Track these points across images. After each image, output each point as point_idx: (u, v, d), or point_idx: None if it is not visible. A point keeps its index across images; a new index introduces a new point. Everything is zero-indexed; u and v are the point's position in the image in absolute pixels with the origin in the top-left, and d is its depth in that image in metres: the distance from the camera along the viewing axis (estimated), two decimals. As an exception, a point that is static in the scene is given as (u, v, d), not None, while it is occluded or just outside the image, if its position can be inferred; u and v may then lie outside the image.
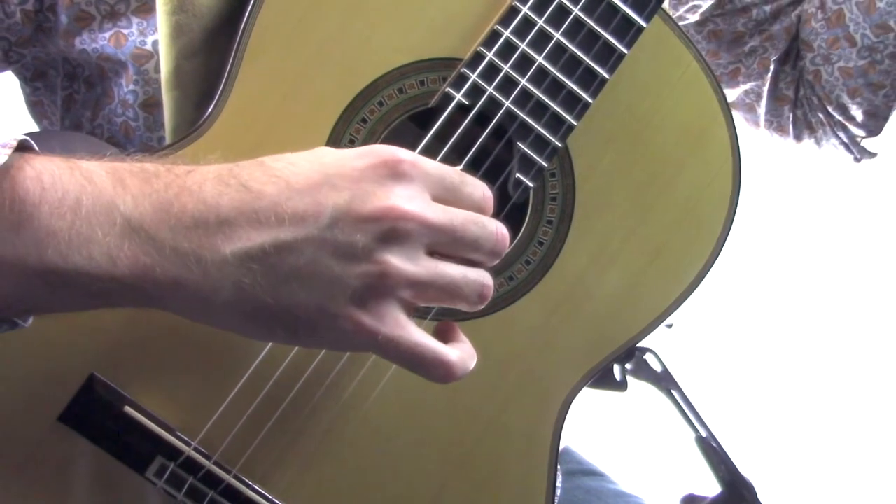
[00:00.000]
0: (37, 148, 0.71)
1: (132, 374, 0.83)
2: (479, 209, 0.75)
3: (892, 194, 2.52)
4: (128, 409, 0.82)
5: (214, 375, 0.83)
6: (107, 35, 0.91)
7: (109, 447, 0.82)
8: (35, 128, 1.05)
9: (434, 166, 0.74)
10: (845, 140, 1.24)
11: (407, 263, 0.71)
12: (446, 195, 0.74)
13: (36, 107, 1.03)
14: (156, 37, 0.90)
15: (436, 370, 0.73)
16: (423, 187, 0.72)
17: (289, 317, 0.70)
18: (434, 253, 0.73)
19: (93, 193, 0.69)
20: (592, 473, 1.26)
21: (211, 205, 0.70)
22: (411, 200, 0.71)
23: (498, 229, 0.75)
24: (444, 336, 0.77)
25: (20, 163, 0.69)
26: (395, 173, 0.71)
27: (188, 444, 0.83)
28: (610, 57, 0.85)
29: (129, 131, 0.94)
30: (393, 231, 0.70)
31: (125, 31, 0.91)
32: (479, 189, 0.76)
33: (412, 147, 0.83)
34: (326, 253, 0.69)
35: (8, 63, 0.97)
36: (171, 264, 0.69)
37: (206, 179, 0.71)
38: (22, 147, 0.70)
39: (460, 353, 0.75)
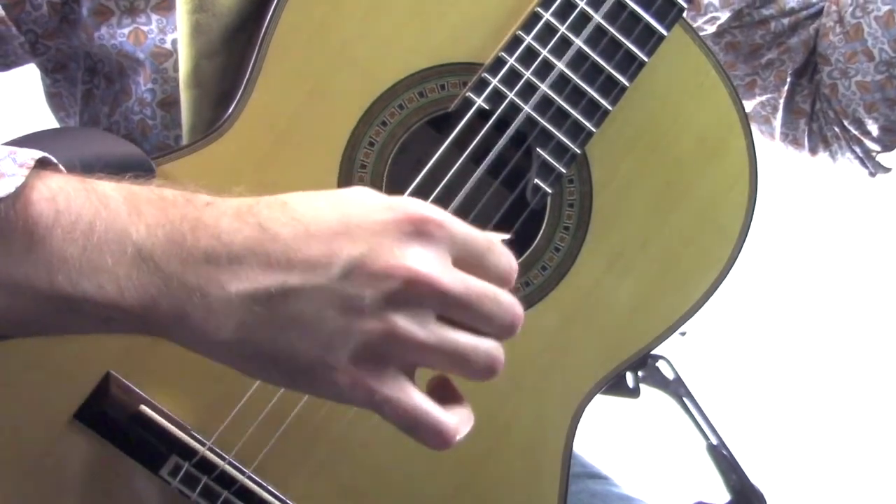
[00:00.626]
0: (55, 162, 0.71)
1: (148, 373, 0.83)
2: (502, 280, 0.72)
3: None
4: (143, 408, 0.82)
5: (230, 375, 0.83)
6: (126, 31, 0.92)
7: (124, 446, 0.82)
8: (52, 118, 1.06)
9: (461, 229, 0.70)
10: (860, 154, 1.23)
11: (414, 326, 0.68)
12: (469, 261, 0.70)
13: (54, 98, 1.03)
14: (175, 35, 0.90)
15: (432, 438, 0.71)
16: (444, 250, 0.69)
17: (287, 363, 0.69)
18: (445, 320, 0.70)
19: (107, 219, 0.68)
20: (597, 476, 1.25)
21: (224, 242, 0.68)
22: (428, 263, 0.68)
23: (514, 309, 0.71)
24: (442, 393, 0.74)
25: (36, 182, 0.68)
26: (418, 231, 0.68)
27: (203, 444, 0.83)
28: (630, 65, 0.85)
29: (146, 129, 0.94)
30: (403, 292, 0.67)
31: (144, 29, 0.91)
32: (505, 260, 0.72)
33: (431, 152, 0.84)
34: (333, 304, 0.67)
35: (34, 55, 0.97)
36: (177, 298, 0.68)
37: (223, 214, 0.69)
38: (40, 163, 0.70)
39: (458, 418, 0.72)
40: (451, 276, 0.69)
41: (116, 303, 0.68)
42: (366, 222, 0.68)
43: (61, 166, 0.71)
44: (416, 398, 0.69)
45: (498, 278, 0.72)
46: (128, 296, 0.68)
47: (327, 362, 0.68)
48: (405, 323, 0.68)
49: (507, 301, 0.71)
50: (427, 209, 0.69)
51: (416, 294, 0.67)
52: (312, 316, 0.67)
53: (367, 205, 0.69)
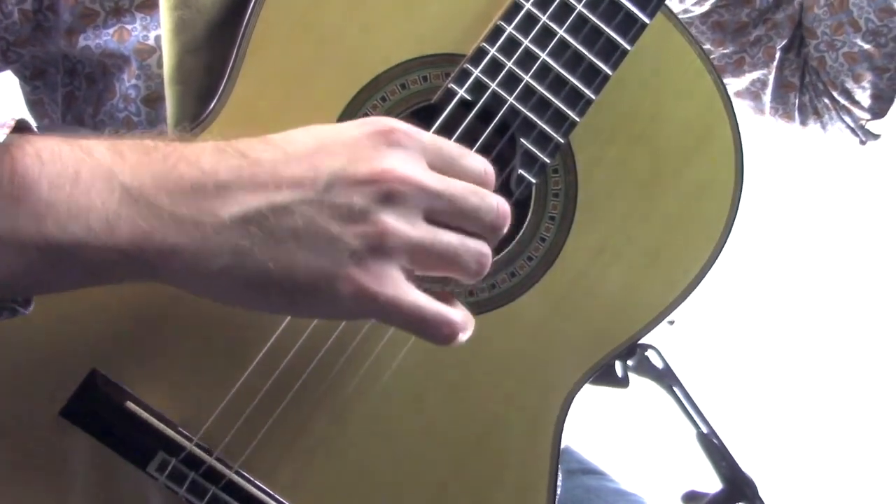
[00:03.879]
0: (33, 127, 0.72)
1: (134, 369, 0.83)
2: (479, 183, 0.75)
3: (892, 192, 2.52)
4: (129, 404, 0.82)
5: (217, 370, 0.83)
6: (110, 31, 0.92)
7: (111, 442, 0.82)
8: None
9: (430, 137, 0.75)
10: (851, 124, 1.24)
11: (405, 225, 0.71)
12: (443, 166, 0.74)
13: (36, 105, 1.03)
14: (159, 32, 0.90)
15: (439, 329, 0.73)
16: (419, 155, 0.73)
17: (287, 281, 0.70)
18: (433, 221, 0.73)
19: (91, 165, 0.70)
20: (593, 472, 1.26)
21: (209, 171, 0.70)
22: (406, 164, 0.71)
23: (499, 203, 0.75)
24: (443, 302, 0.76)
25: (19, 141, 0.69)
26: (390, 140, 0.72)
27: (190, 440, 0.83)
28: (613, 53, 0.84)
29: (132, 126, 0.94)
30: (390, 193, 0.71)
31: (128, 27, 0.92)
32: (479, 163, 0.76)
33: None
34: (324, 215, 0.70)
35: (6, 63, 0.97)
36: (170, 230, 0.69)
37: (203, 150, 0.72)
38: (20, 128, 0.71)
39: (462, 313, 0.75)
40: (431, 175, 0.73)
41: (108, 242, 0.69)
42: (340, 138, 0.72)
43: (36, 131, 0.72)
44: (420, 296, 0.72)
45: (474, 179, 0.75)
46: (118, 234, 0.69)
47: (328, 272, 0.70)
48: (395, 222, 0.71)
49: (490, 196, 0.75)
50: (392, 121, 0.73)
51: (401, 194, 0.71)
52: (307, 228, 0.70)
53: (337, 126, 0.74)
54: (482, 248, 0.75)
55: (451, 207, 0.73)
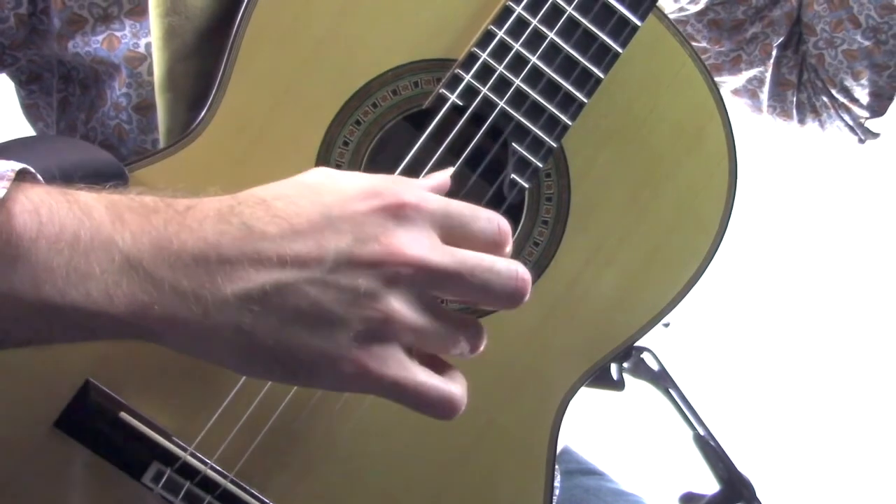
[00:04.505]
0: (35, 173, 0.70)
1: (128, 379, 0.82)
2: (495, 245, 0.73)
3: (889, 192, 2.52)
4: (123, 414, 0.82)
5: (210, 380, 0.83)
6: (100, 38, 0.91)
7: (105, 453, 0.82)
8: (30, 130, 1.05)
9: (440, 205, 0.72)
10: (849, 122, 1.23)
11: (409, 310, 0.70)
12: (455, 234, 0.72)
13: (31, 109, 1.03)
14: (149, 39, 0.90)
15: (442, 410, 0.73)
16: (428, 229, 0.71)
17: (289, 358, 0.70)
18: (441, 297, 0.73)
19: (91, 228, 0.68)
20: (591, 473, 1.26)
21: (212, 243, 0.68)
22: (413, 244, 0.70)
23: (516, 274, 0.73)
24: (433, 366, 0.75)
25: (18, 195, 0.68)
26: (398, 216, 0.70)
27: (184, 449, 0.83)
28: (605, 56, 0.84)
29: (123, 134, 0.94)
30: (396, 276, 0.69)
31: (118, 34, 0.91)
32: (493, 224, 0.74)
33: (407, 149, 0.84)
34: (329, 296, 0.69)
35: (3, 66, 0.96)
36: (170, 302, 0.68)
37: (206, 217, 0.70)
38: (21, 175, 0.69)
39: (460, 386, 0.74)
40: (439, 253, 0.71)
41: (105, 311, 0.68)
42: (346, 213, 0.70)
43: (40, 177, 0.71)
44: (423, 376, 0.72)
45: (489, 243, 0.73)
46: (117, 303, 0.68)
47: (330, 353, 0.69)
48: (400, 306, 0.70)
49: (505, 267, 0.73)
50: (401, 192, 0.71)
51: (406, 276, 0.69)
52: (310, 308, 0.69)
53: (342, 194, 0.71)
54: (478, 332, 0.74)
55: (461, 286, 0.72)
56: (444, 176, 0.77)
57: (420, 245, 0.70)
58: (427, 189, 0.75)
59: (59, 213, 0.68)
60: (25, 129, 1.05)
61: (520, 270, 0.73)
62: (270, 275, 0.68)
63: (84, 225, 0.68)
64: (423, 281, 0.70)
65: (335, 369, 0.70)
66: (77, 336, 0.71)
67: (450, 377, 0.74)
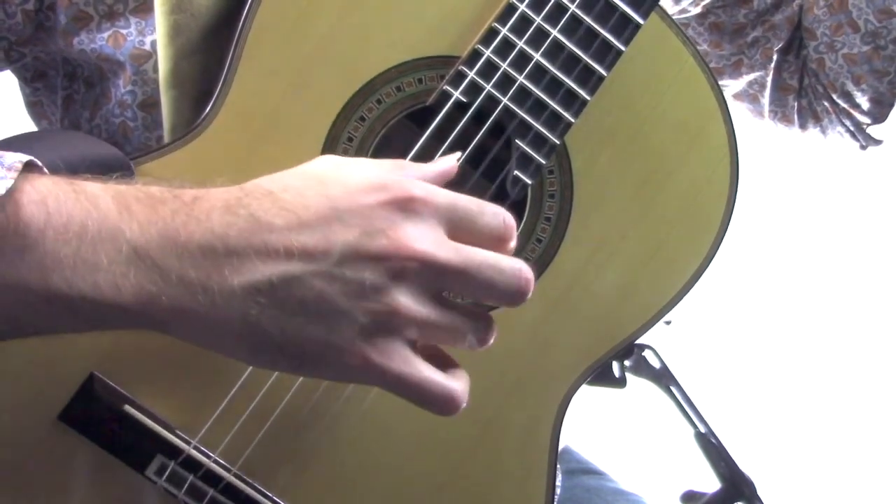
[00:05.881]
0: (41, 165, 0.71)
1: (132, 373, 0.83)
2: (500, 240, 0.74)
3: (890, 190, 2.52)
4: (128, 407, 0.82)
5: (214, 373, 0.83)
6: (105, 35, 0.91)
7: (109, 446, 0.82)
8: (34, 128, 1.05)
9: (447, 199, 0.72)
10: (851, 128, 1.23)
11: (415, 304, 0.70)
12: (461, 228, 0.73)
13: (35, 107, 1.03)
14: (154, 36, 0.90)
15: (444, 406, 0.73)
16: (434, 223, 0.71)
17: (295, 349, 0.70)
18: (446, 294, 0.73)
19: (98, 219, 0.69)
20: (592, 472, 1.26)
21: (219, 235, 0.69)
22: (420, 239, 0.70)
23: (520, 273, 0.73)
24: (436, 358, 0.76)
25: (25, 186, 0.68)
26: (406, 210, 0.70)
27: (188, 443, 0.83)
28: (607, 54, 0.85)
29: (128, 131, 0.94)
30: (402, 271, 0.70)
31: (123, 31, 0.91)
32: (499, 219, 0.74)
33: (410, 146, 0.84)
34: (335, 289, 0.69)
35: (9, 62, 0.97)
36: (178, 293, 0.68)
37: (213, 208, 0.70)
38: (27, 166, 0.70)
39: (462, 382, 0.74)
40: (445, 249, 0.71)
41: (113, 301, 0.68)
42: (353, 206, 0.70)
43: (46, 169, 0.71)
44: (426, 371, 0.72)
45: (494, 238, 0.74)
46: (125, 293, 0.68)
47: (335, 345, 0.70)
48: (406, 300, 0.70)
49: (509, 265, 0.73)
50: (409, 186, 0.71)
51: (412, 271, 0.70)
52: (316, 301, 0.69)
53: (350, 186, 0.71)
54: (487, 325, 0.74)
55: (466, 282, 0.72)
56: (452, 161, 0.78)
57: (427, 240, 0.70)
58: (434, 174, 0.75)
59: (66, 203, 0.69)
60: (29, 128, 1.05)
61: (523, 269, 0.73)
62: (277, 267, 0.69)
63: (91, 215, 0.69)
64: (428, 276, 0.71)
65: (340, 361, 0.70)
66: (85, 326, 0.71)
67: (453, 374, 0.75)
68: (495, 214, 0.74)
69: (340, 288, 0.69)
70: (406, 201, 0.71)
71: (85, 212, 0.69)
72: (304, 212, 0.70)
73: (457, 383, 0.74)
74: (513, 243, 0.75)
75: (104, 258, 0.68)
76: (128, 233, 0.68)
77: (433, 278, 0.71)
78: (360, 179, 0.72)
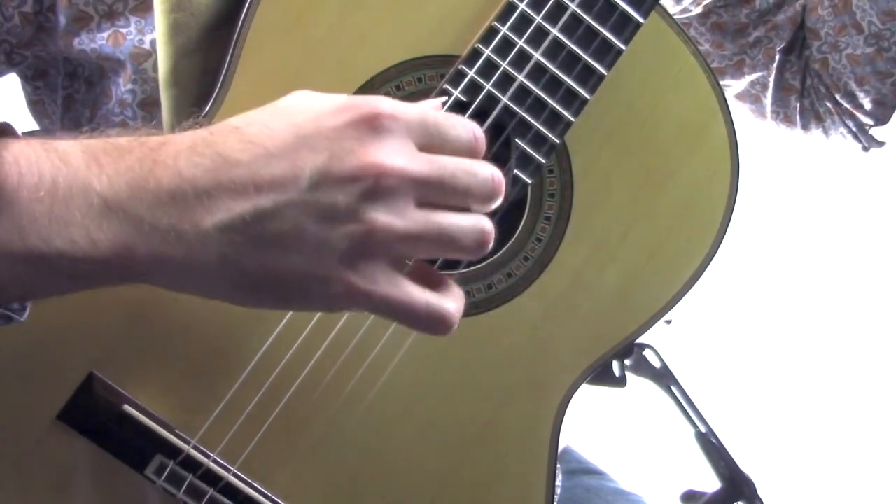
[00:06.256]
0: (16, 129, 0.71)
1: (131, 372, 0.83)
2: (470, 151, 0.72)
3: (890, 190, 2.52)
4: (127, 407, 0.82)
5: (213, 373, 0.83)
6: (105, 35, 0.91)
7: (108, 446, 0.82)
8: (35, 127, 1.05)
9: (415, 113, 0.71)
10: (854, 129, 1.23)
11: (393, 218, 0.68)
12: (432, 141, 0.71)
13: (37, 106, 1.03)
14: (154, 36, 0.90)
15: (436, 326, 0.71)
16: (405, 138, 0.69)
17: (278, 283, 0.69)
18: (425, 205, 0.70)
19: (68, 175, 0.68)
20: (593, 472, 1.26)
21: (187, 177, 0.68)
22: (392, 154, 0.68)
23: (493, 175, 0.71)
24: (426, 278, 0.74)
25: None
26: (373, 127, 0.68)
27: (187, 442, 0.83)
28: (607, 53, 0.85)
29: (128, 130, 0.94)
30: (375, 188, 0.68)
31: (123, 31, 0.91)
32: (468, 130, 0.72)
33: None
34: (309, 216, 0.68)
35: (11, 65, 0.97)
36: (152, 241, 0.68)
37: (179, 151, 0.69)
38: (1, 132, 0.70)
39: (454, 300, 0.72)
40: (418, 161, 0.69)
41: (91, 255, 0.68)
42: (321, 129, 0.68)
43: (20, 133, 0.71)
44: (414, 291, 0.70)
45: (465, 149, 0.72)
46: (101, 247, 0.68)
47: (318, 274, 0.68)
48: (384, 217, 0.68)
49: (483, 170, 0.71)
50: (375, 102, 0.69)
51: (386, 187, 0.68)
52: (292, 231, 0.68)
53: (315, 111, 0.70)
54: (479, 223, 0.72)
55: (441, 190, 0.70)
56: (435, 104, 0.76)
57: (399, 155, 0.68)
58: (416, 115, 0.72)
59: (37, 162, 0.69)
60: (30, 126, 1.05)
61: (495, 171, 0.72)
62: (248, 202, 0.67)
63: (61, 171, 0.69)
64: (404, 189, 0.68)
65: (324, 289, 0.69)
66: (69, 285, 0.71)
67: (445, 292, 0.73)
68: (465, 126, 0.72)
69: (314, 215, 0.67)
70: (373, 118, 0.69)
71: (55, 168, 0.69)
72: (271, 142, 0.68)
73: (448, 302, 0.72)
74: (482, 152, 0.73)
75: (77, 213, 0.68)
76: (97, 186, 0.68)
77: (409, 191, 0.69)
78: (325, 103, 0.70)
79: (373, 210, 0.68)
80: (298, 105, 0.71)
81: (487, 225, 0.72)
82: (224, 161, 0.68)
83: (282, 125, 0.69)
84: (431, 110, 0.72)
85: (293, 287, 0.69)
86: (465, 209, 0.71)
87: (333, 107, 0.70)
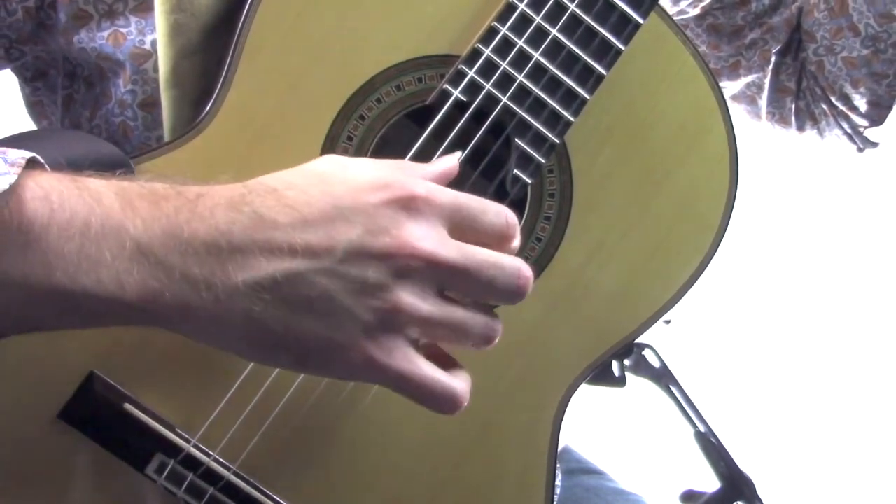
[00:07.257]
0: (44, 162, 0.71)
1: (132, 371, 0.83)
2: (502, 238, 0.74)
3: (890, 190, 2.52)
4: (127, 406, 0.82)
5: (214, 372, 0.83)
6: (105, 34, 0.92)
7: (109, 444, 0.82)
8: (34, 127, 1.05)
9: (450, 198, 0.73)
10: (848, 130, 1.24)
11: (418, 301, 0.71)
12: (464, 227, 0.73)
13: (36, 107, 1.03)
14: (154, 36, 0.90)
15: (445, 405, 0.74)
16: (437, 222, 0.72)
17: (298, 346, 0.71)
18: (448, 292, 0.73)
19: (101, 215, 0.69)
20: (592, 472, 1.26)
21: (223, 231, 0.69)
22: (423, 238, 0.71)
23: (519, 272, 0.74)
24: (438, 358, 0.76)
25: (28, 182, 0.69)
26: (409, 209, 0.71)
27: (188, 441, 0.83)
28: (607, 53, 0.85)
29: (128, 131, 0.94)
30: (405, 269, 0.70)
31: (123, 31, 0.92)
32: (501, 218, 0.75)
33: (410, 145, 0.84)
34: (339, 287, 0.69)
35: (9, 60, 0.97)
36: (181, 290, 0.69)
37: (217, 205, 0.70)
38: (30, 163, 0.70)
39: (464, 382, 0.75)
40: (448, 248, 0.72)
41: (117, 297, 0.68)
42: (357, 205, 0.70)
43: (48, 167, 0.71)
44: (428, 369, 0.73)
45: (497, 237, 0.74)
46: (129, 290, 0.68)
47: (338, 342, 0.70)
48: (409, 297, 0.70)
49: (510, 265, 0.74)
50: (412, 185, 0.71)
51: (415, 269, 0.70)
52: (320, 298, 0.69)
53: (352, 185, 0.72)
54: (490, 323, 0.75)
55: (466, 280, 0.72)
56: (453, 161, 0.78)
57: (430, 239, 0.71)
58: (436, 174, 0.76)
59: (69, 199, 0.69)
60: (29, 127, 1.05)
61: (522, 268, 0.74)
62: (281, 263, 0.69)
63: (95, 211, 0.69)
64: (431, 274, 0.71)
65: (343, 358, 0.71)
66: (87, 322, 0.71)
67: (454, 374, 0.75)
68: (498, 213, 0.75)
69: (344, 285, 0.69)
70: (409, 200, 0.71)
71: (88, 208, 0.69)
72: (308, 209, 0.70)
73: (458, 382, 0.74)
74: (516, 242, 0.75)
75: (108, 254, 0.68)
76: (132, 229, 0.69)
77: (436, 277, 0.71)
78: (363, 178, 0.72)
79: (400, 289, 0.70)
80: (336, 175, 0.73)
81: (497, 325, 0.75)
82: (261, 220, 0.70)
83: (319, 193, 0.71)
84: (466, 195, 0.74)
85: (313, 351, 0.71)
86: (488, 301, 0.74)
87: (372, 183, 0.72)
